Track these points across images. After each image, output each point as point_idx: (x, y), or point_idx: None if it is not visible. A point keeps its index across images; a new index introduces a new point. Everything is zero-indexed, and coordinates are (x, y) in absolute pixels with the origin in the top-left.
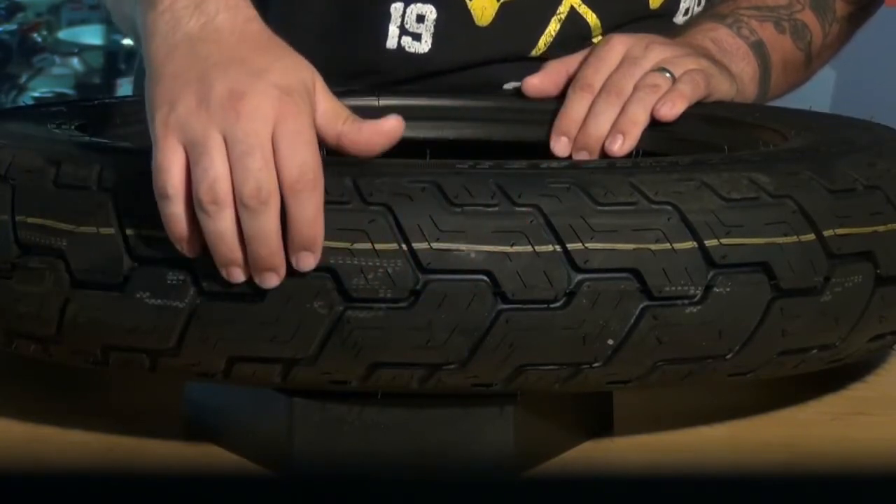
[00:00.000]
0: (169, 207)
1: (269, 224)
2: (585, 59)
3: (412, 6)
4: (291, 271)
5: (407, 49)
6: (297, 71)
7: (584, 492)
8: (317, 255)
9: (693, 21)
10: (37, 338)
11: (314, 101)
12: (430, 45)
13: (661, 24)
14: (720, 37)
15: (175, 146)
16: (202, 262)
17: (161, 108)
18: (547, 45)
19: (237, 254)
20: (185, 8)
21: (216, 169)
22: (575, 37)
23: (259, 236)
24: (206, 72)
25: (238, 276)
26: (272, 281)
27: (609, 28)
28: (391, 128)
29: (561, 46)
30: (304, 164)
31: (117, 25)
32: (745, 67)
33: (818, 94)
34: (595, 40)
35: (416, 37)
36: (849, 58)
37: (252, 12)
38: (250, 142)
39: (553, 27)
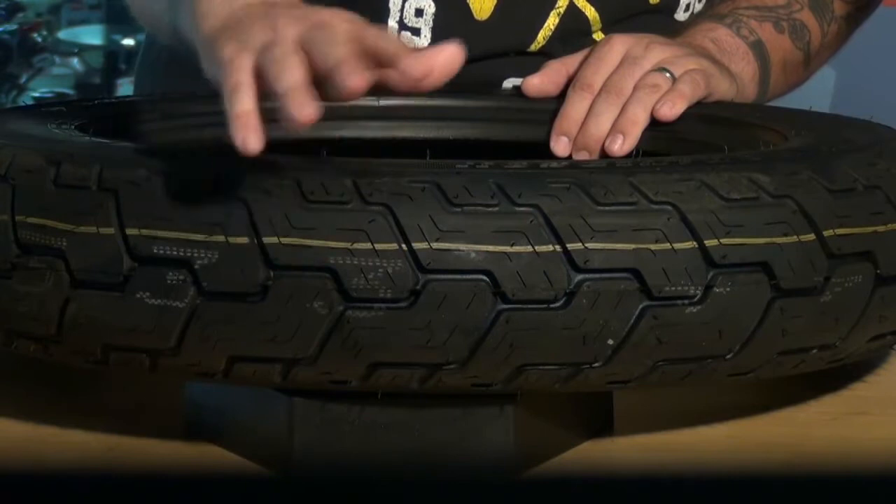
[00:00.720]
0: (239, 97)
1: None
2: (585, 59)
3: (410, 0)
4: (291, 269)
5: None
6: None
7: (584, 492)
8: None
9: (693, 21)
10: (37, 338)
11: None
12: (429, 40)
13: (661, 20)
14: (720, 37)
15: (247, 57)
16: (202, 261)
17: (228, 45)
18: (546, 39)
19: (302, 70)
20: None
21: (290, 30)
22: (574, 31)
23: (326, 41)
24: (269, 12)
25: (308, 108)
26: (356, 80)
27: (609, 22)
28: (451, 52)
29: (560, 40)
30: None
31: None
32: (745, 67)
33: (818, 94)
34: (595, 35)
35: (416, 32)
36: (849, 58)
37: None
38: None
39: (552, 21)
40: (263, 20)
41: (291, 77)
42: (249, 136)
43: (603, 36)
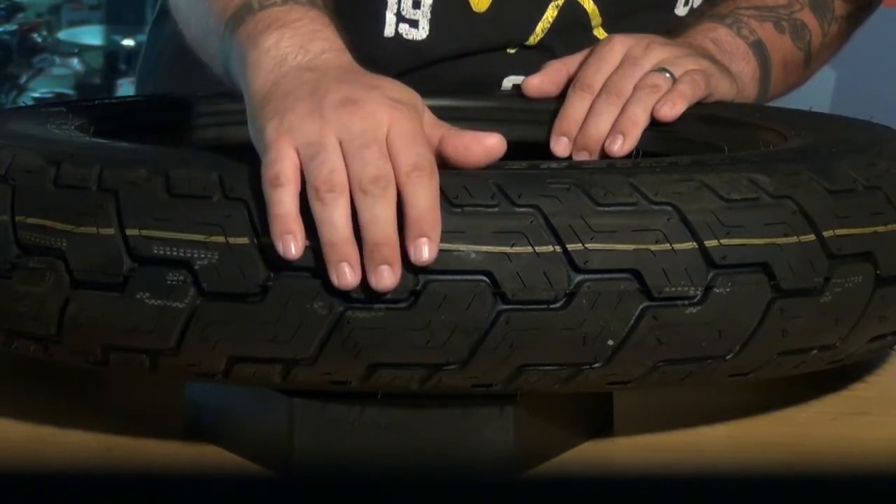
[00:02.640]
0: (279, 194)
1: (387, 210)
2: (585, 59)
3: None
4: (292, 272)
5: (405, 36)
6: (405, 89)
7: (584, 492)
8: (434, 246)
9: (693, 20)
10: (37, 338)
11: (422, 113)
12: (427, 32)
13: (662, 15)
14: (720, 37)
15: (288, 147)
16: (202, 261)
17: (272, 121)
18: (545, 32)
19: (350, 247)
20: (290, 47)
21: (333, 160)
22: (574, 25)
23: (377, 223)
24: (317, 87)
25: (349, 277)
26: (388, 278)
27: (608, 16)
28: (493, 143)
29: (559, 34)
30: (419, 154)
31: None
32: (746, 67)
33: (818, 94)
34: (596, 32)
35: (414, 23)
36: (849, 58)
37: (351, 57)
38: (367, 137)
39: (551, 13)
40: (310, 102)
41: (335, 215)
42: (290, 244)
43: (604, 33)
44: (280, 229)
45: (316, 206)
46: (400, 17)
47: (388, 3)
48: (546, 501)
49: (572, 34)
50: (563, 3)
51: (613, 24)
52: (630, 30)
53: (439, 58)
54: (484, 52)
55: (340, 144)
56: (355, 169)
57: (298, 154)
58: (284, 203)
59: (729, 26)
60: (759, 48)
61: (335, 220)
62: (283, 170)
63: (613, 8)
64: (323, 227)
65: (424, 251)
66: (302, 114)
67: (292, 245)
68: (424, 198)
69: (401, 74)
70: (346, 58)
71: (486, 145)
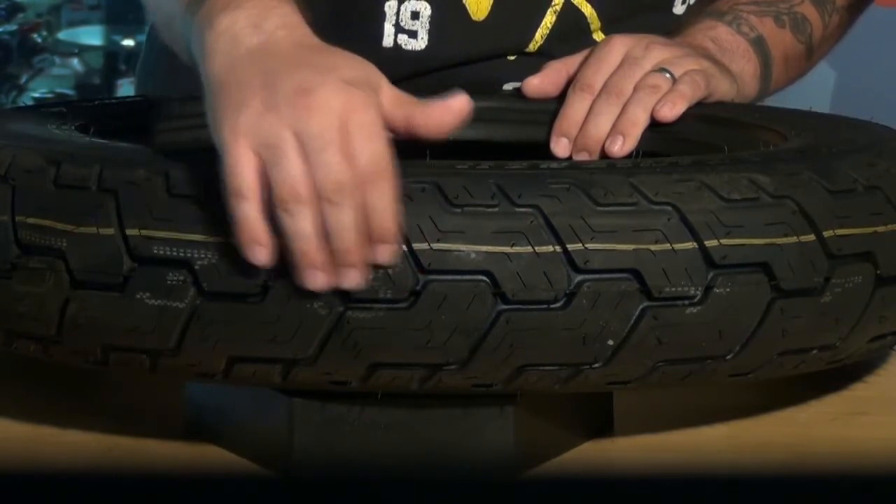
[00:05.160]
0: (243, 207)
1: (352, 217)
2: (585, 60)
3: (406, 3)
4: (291, 272)
5: (404, 47)
6: (361, 66)
7: (584, 492)
8: (394, 248)
9: (692, 18)
10: (37, 338)
11: (380, 93)
12: (426, 42)
13: (660, 16)
14: (720, 35)
15: (246, 149)
16: (202, 261)
17: (228, 117)
18: (544, 38)
19: (319, 255)
20: (244, 28)
21: (296, 168)
22: (573, 29)
23: (342, 230)
24: (270, 76)
25: (319, 280)
26: (356, 279)
27: (607, 20)
28: (460, 106)
29: (559, 39)
30: (374, 154)
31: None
32: (746, 65)
33: (818, 94)
34: (595, 35)
35: (412, 34)
36: (849, 58)
37: (308, 31)
38: (325, 136)
39: (549, 19)
40: (265, 95)
41: (301, 226)
42: (261, 253)
43: (603, 35)
44: (248, 239)
45: (282, 217)
46: (399, 29)
47: (387, 15)
48: (546, 501)
49: (572, 39)
50: (562, 9)
51: (612, 28)
52: (629, 32)
53: (439, 67)
54: (484, 60)
55: (299, 141)
56: (317, 176)
57: (259, 156)
58: (250, 216)
59: (728, 24)
60: (759, 44)
61: (303, 230)
62: (244, 180)
63: (612, 11)
64: (292, 238)
65: (385, 255)
66: (258, 110)
67: (263, 252)
68: (381, 201)
69: (399, 82)
70: (300, 32)
71: (455, 110)
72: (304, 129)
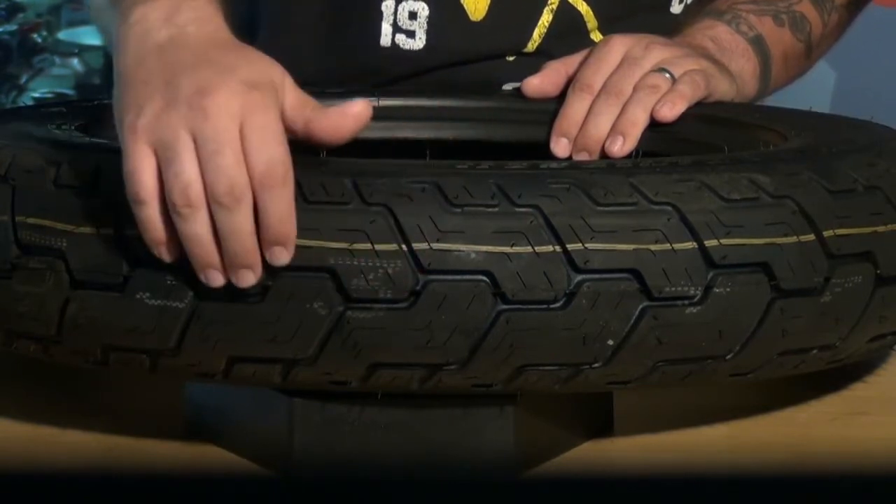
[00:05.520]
0: (143, 212)
1: (243, 221)
2: (585, 60)
3: (403, 3)
4: (291, 270)
5: (401, 46)
6: (264, 67)
7: (584, 492)
8: (290, 250)
9: (691, 18)
10: (37, 338)
11: (282, 95)
12: (424, 42)
13: (657, 15)
14: (719, 35)
15: (144, 149)
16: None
17: (129, 113)
18: (542, 38)
19: (214, 256)
20: (155, 20)
21: (188, 172)
22: (570, 29)
23: (234, 234)
24: (174, 74)
25: (216, 279)
26: (248, 279)
27: (603, 18)
28: (358, 111)
29: (557, 39)
30: (271, 158)
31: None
32: (745, 65)
33: (818, 94)
34: (593, 34)
35: (410, 34)
36: (849, 58)
37: (221, 23)
38: (220, 139)
39: (546, 18)
40: (166, 94)
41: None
42: (163, 251)
43: (601, 35)
44: (152, 240)
45: (176, 220)
46: (396, 28)
47: (384, 15)
48: (546, 501)
49: (569, 38)
50: (558, 7)
51: (609, 27)
52: (626, 31)
53: (437, 66)
54: (482, 60)
55: (195, 144)
56: (210, 179)
57: (156, 154)
58: (150, 219)
59: (728, 23)
60: (758, 44)
61: (195, 233)
62: (141, 185)
63: (608, 10)
64: (185, 240)
65: (279, 257)
66: (158, 108)
67: (166, 252)
68: (276, 205)
69: (397, 82)
70: (210, 27)
71: (353, 115)
72: (200, 131)
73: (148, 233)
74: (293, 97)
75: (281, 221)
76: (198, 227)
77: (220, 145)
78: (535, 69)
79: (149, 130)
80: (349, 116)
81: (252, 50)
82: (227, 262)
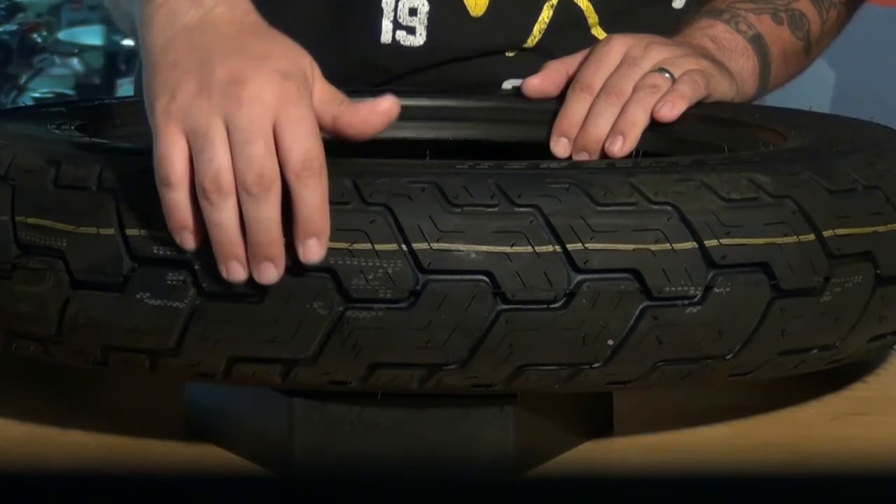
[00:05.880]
0: (171, 195)
1: (270, 210)
2: (585, 60)
3: (404, 0)
4: (291, 270)
5: (402, 43)
6: (296, 56)
7: (584, 492)
8: (323, 244)
9: (690, 17)
10: (37, 338)
11: (312, 86)
12: (424, 38)
13: (659, 10)
14: (718, 34)
15: (177, 134)
16: (202, 261)
17: (161, 97)
18: (542, 34)
19: (238, 246)
20: (182, 1)
21: (219, 158)
22: (570, 24)
23: (260, 222)
24: (206, 58)
25: (238, 272)
26: (270, 273)
27: (604, 13)
28: (387, 107)
29: (557, 35)
30: (308, 150)
31: (116, 23)
32: (745, 64)
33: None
34: (593, 30)
35: (411, 30)
36: (849, 58)
37: (249, 6)
38: (253, 129)
39: (546, 14)
40: (199, 78)
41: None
42: (188, 238)
43: (602, 31)
44: (176, 225)
45: (204, 206)
46: (397, 25)
47: (385, 11)
48: (546, 501)
49: (570, 34)
50: (558, 3)
51: (611, 22)
52: (628, 26)
53: (437, 63)
54: (482, 56)
55: (227, 132)
56: (240, 167)
57: (187, 140)
58: (178, 203)
59: (727, 22)
60: (757, 42)
61: (222, 220)
62: (173, 167)
63: (609, 5)
64: (211, 227)
65: (313, 251)
66: (191, 93)
67: (190, 238)
68: (312, 198)
69: (398, 78)
70: (239, 9)
71: (382, 110)
72: (233, 120)
73: (173, 217)
74: (322, 90)
75: (317, 213)
76: (226, 215)
77: (253, 135)
78: (535, 65)
79: (182, 116)
80: (377, 113)
81: (282, 37)
82: (251, 254)
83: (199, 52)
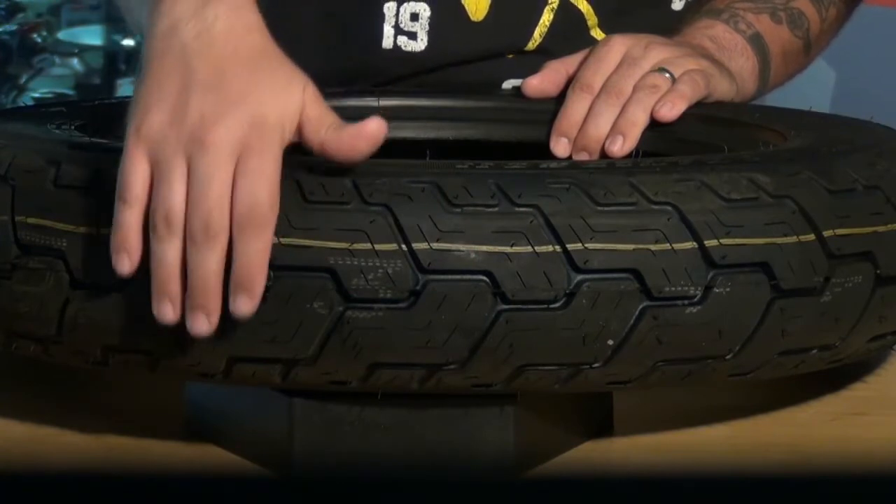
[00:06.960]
0: (123, 213)
1: (211, 261)
2: (585, 60)
3: (405, 5)
4: (291, 270)
5: (403, 48)
6: (279, 94)
7: (584, 492)
8: (254, 301)
9: (690, 17)
10: (37, 338)
11: (293, 122)
12: (426, 43)
13: (658, 12)
14: (717, 34)
15: (141, 158)
16: None
17: (136, 114)
18: (543, 37)
19: (174, 286)
20: (184, 12)
21: (175, 197)
22: (571, 26)
23: (199, 271)
24: (187, 86)
25: (167, 312)
26: (201, 324)
27: (604, 16)
28: (373, 130)
29: (558, 37)
30: (255, 202)
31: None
32: (745, 63)
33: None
34: (594, 32)
35: (412, 35)
36: (849, 58)
37: (254, 19)
38: (210, 175)
39: (546, 17)
40: (175, 107)
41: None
42: (124, 260)
43: (601, 33)
44: (117, 244)
45: (151, 238)
46: (398, 30)
47: (386, 17)
48: (546, 501)
49: (570, 36)
50: (558, 6)
51: (610, 24)
52: (627, 28)
53: (438, 67)
54: (483, 59)
55: (188, 171)
56: (190, 212)
57: (151, 166)
58: (126, 223)
59: (726, 22)
60: (757, 41)
61: (165, 257)
62: (132, 187)
63: (608, 7)
64: (153, 260)
65: (241, 307)
66: (163, 121)
67: (126, 262)
68: (248, 252)
69: (399, 81)
70: (238, 26)
71: (367, 136)
72: (194, 163)
73: (117, 235)
74: (311, 114)
75: (250, 266)
76: (170, 252)
77: (208, 182)
78: (535, 67)
79: (149, 142)
80: (362, 138)
81: (276, 64)
82: (187, 297)
83: (184, 76)
